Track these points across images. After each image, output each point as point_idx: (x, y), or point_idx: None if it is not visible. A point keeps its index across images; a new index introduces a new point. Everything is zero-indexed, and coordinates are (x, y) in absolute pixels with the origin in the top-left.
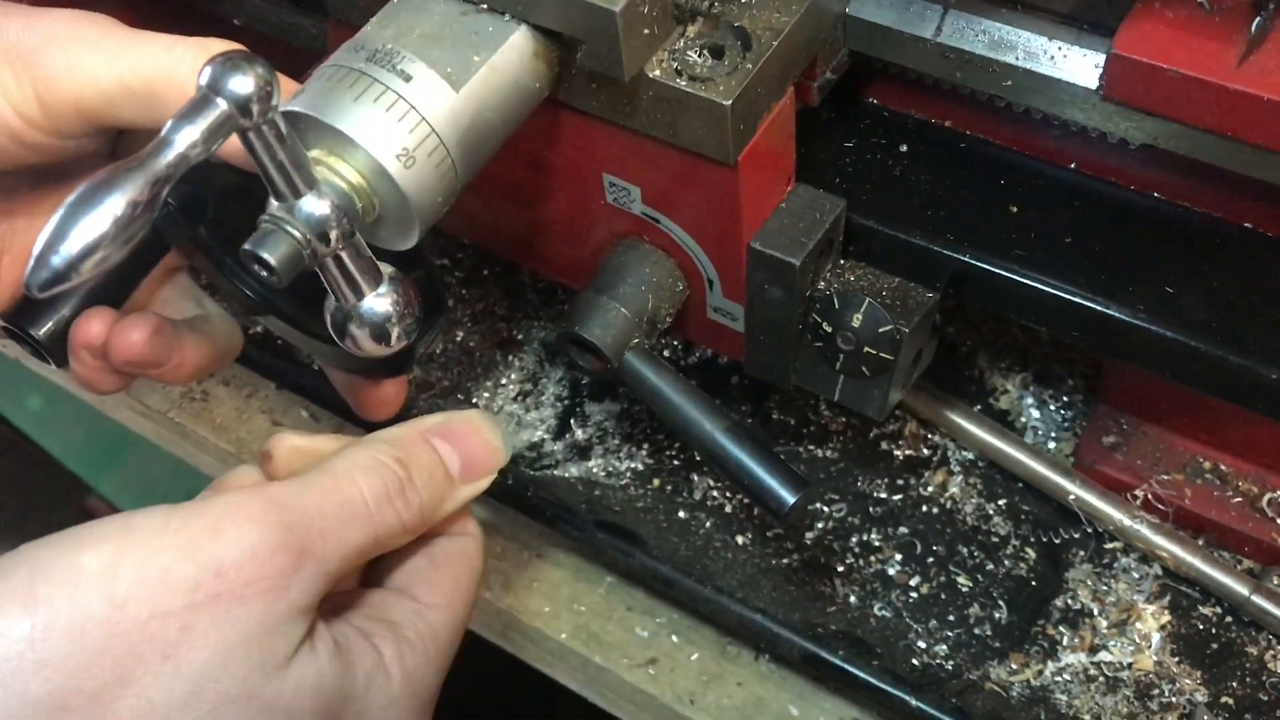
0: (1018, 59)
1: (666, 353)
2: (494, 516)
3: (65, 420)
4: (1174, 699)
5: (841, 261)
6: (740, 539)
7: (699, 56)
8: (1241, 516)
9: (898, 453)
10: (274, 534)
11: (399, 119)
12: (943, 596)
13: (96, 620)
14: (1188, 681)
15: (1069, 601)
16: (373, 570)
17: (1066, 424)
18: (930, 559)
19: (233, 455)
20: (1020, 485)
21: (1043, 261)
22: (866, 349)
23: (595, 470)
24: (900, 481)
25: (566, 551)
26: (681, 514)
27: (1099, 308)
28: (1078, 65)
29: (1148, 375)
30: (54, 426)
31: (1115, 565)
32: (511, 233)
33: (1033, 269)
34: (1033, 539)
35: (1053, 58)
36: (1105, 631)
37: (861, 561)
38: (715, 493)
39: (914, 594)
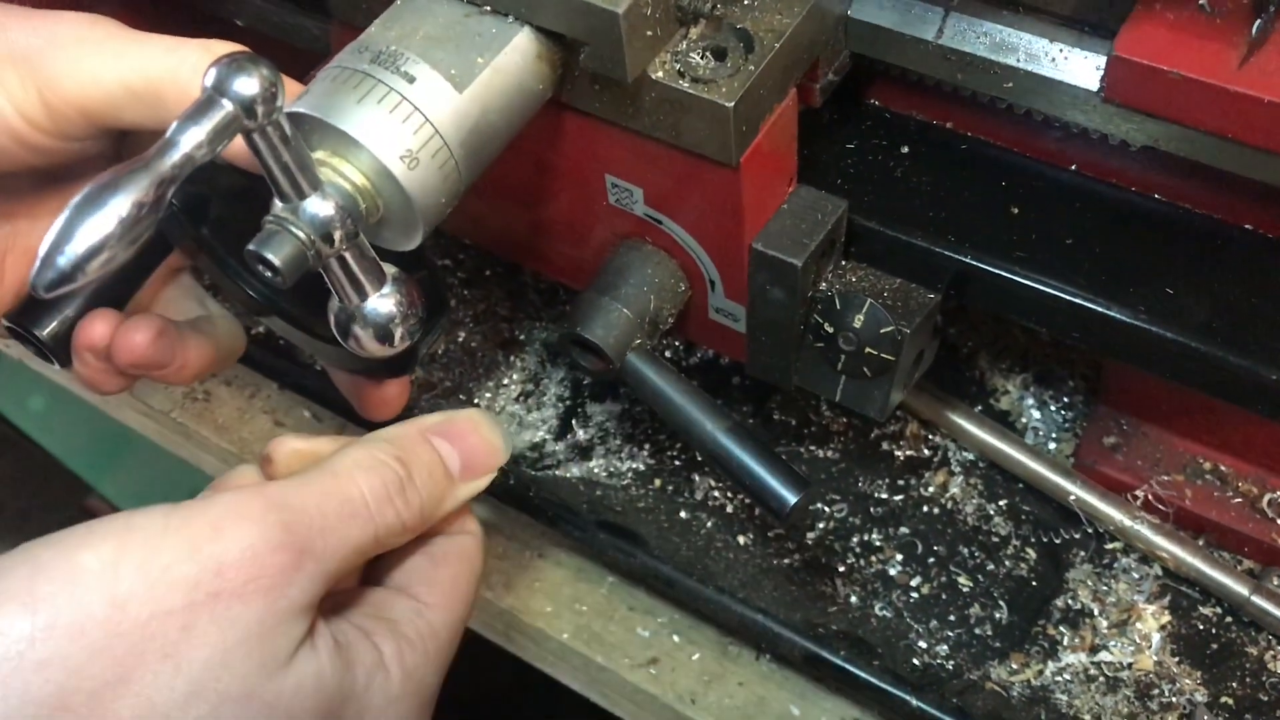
0: (1019, 61)
1: (668, 353)
2: (496, 517)
3: (67, 420)
4: (1174, 699)
5: (843, 262)
6: (741, 539)
7: (701, 58)
8: (1241, 517)
9: (899, 453)
10: (274, 533)
11: (403, 120)
12: (943, 597)
13: (97, 620)
14: (1188, 681)
15: (1069, 602)
16: (373, 569)
17: (1067, 425)
18: (931, 559)
19: (235, 455)
20: (1021, 486)
21: (1044, 263)
22: (868, 350)
23: (597, 470)
24: (901, 482)
25: (568, 552)
26: (683, 514)
27: (1100, 309)
28: (1079, 67)
29: (1148, 376)
30: (55, 426)
31: (1115, 565)
32: (514, 233)
33: (1034, 270)
34: (1033, 539)
35: (1054, 60)
36: (1105, 631)
37: (862, 562)
38: (716, 493)
39: (915, 594)
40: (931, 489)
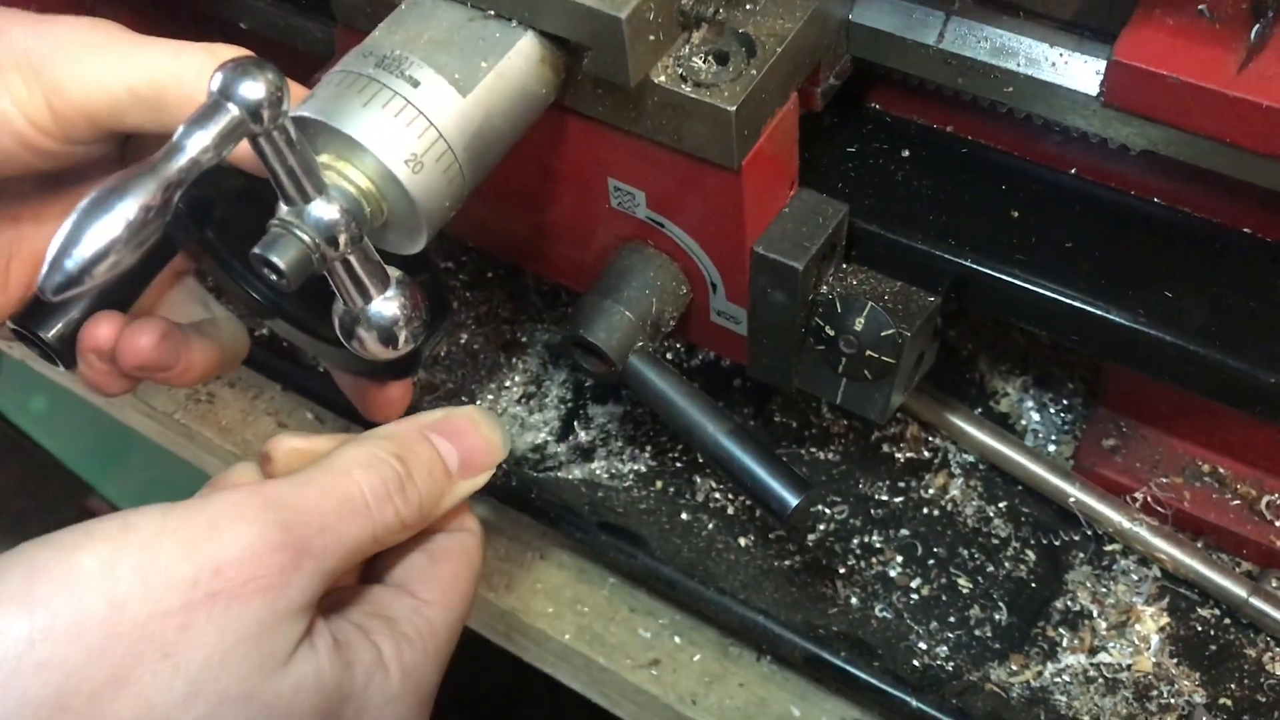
0: (1019, 65)
1: (669, 355)
2: (497, 518)
3: (68, 421)
4: (1172, 700)
5: (844, 265)
6: (742, 541)
7: (704, 63)
8: (1240, 519)
9: (899, 455)
10: (272, 532)
11: (407, 124)
12: (943, 598)
13: (95, 621)
14: (1186, 683)
15: (1069, 603)
16: (372, 566)
17: (1066, 427)
18: (931, 561)
19: (238, 457)
20: (1020, 488)
21: (1043, 266)
22: (868, 352)
23: (598, 472)
24: (901, 484)
25: (570, 553)
26: (684, 516)
27: (1099, 312)
28: (1078, 71)
29: (1147, 379)
30: (57, 427)
31: (1115, 567)
32: (516, 236)
33: (1033, 274)
34: (1033, 541)
35: (1054, 64)
36: (1104, 633)
37: (863, 563)
38: (718, 494)
39: (915, 595)
40: (932, 491)
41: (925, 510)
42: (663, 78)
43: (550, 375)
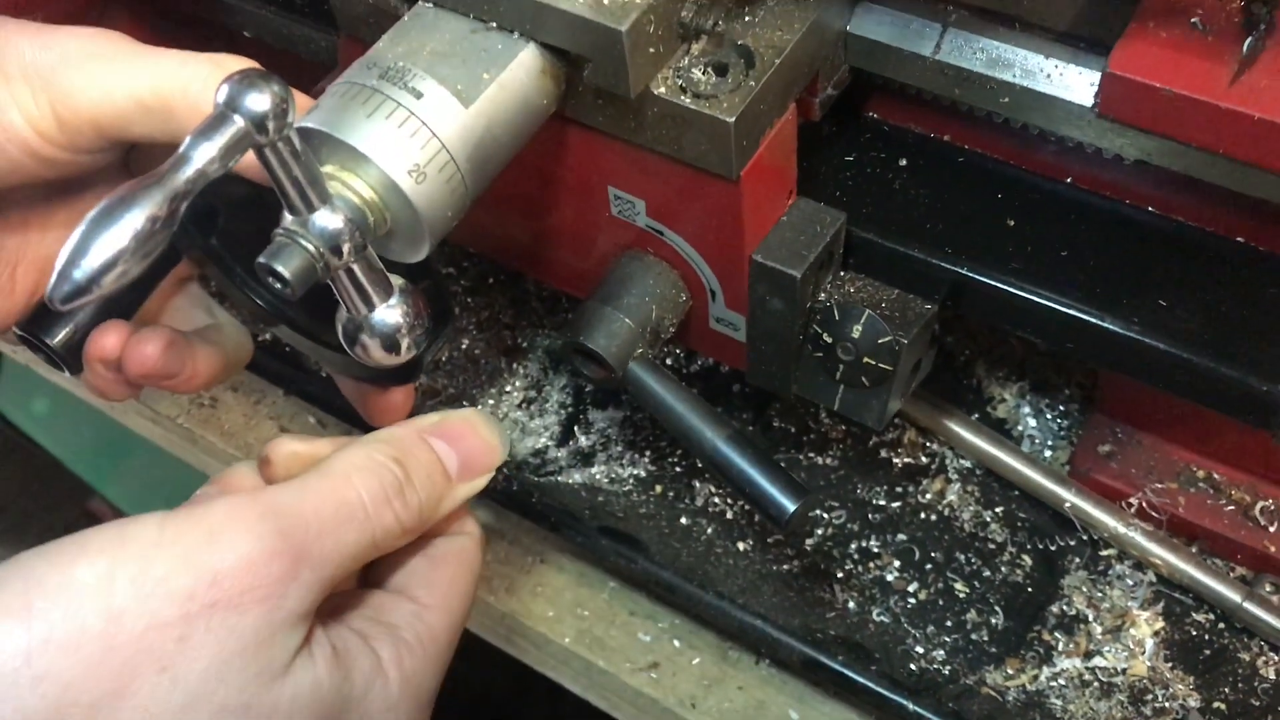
0: (1015, 76)
1: (669, 361)
2: (498, 522)
3: (71, 424)
4: (1167, 704)
5: (842, 273)
6: (741, 545)
7: (703, 74)
8: (1234, 524)
9: (896, 461)
10: (270, 541)
11: (410, 135)
12: (940, 602)
13: (93, 633)
14: (1180, 687)
15: (1064, 608)
16: (371, 570)
17: (1063, 433)
18: (928, 565)
19: (240, 461)
20: (1017, 493)
21: (1039, 274)
22: (866, 359)
23: (598, 477)
24: (899, 489)
25: (570, 557)
26: (683, 520)
27: (1094, 320)
28: (1074, 83)
29: (1142, 386)
30: (59, 430)
31: (1110, 572)
32: (518, 243)
33: (1029, 282)
34: (1029, 546)
35: (1049, 75)
36: (1100, 637)
37: (860, 568)
38: (717, 499)
39: (912, 600)
40: (929, 496)
41: (922, 515)
42: (663, 89)
43: (551, 380)
